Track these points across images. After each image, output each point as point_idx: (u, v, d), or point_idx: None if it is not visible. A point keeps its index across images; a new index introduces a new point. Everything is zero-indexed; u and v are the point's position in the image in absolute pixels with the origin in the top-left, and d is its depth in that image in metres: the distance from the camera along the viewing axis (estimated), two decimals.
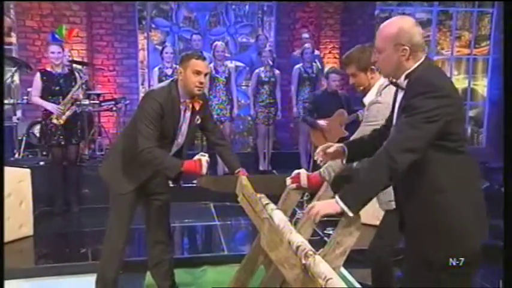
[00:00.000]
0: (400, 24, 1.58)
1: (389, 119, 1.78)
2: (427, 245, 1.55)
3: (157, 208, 2.59)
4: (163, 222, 2.65)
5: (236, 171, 2.41)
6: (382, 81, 2.22)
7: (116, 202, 2.44)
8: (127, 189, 2.39)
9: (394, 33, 1.57)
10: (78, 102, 4.44)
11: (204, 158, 2.25)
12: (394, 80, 1.64)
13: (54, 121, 4.22)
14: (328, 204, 1.53)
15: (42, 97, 4.26)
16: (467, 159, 1.58)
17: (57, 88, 4.28)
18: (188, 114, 2.39)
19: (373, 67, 2.21)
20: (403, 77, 1.59)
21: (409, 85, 1.56)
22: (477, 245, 1.56)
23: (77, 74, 4.47)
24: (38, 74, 4.30)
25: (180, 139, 2.42)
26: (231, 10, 6.93)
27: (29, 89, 5.10)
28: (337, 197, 1.51)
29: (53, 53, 4.27)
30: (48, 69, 4.32)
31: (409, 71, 1.57)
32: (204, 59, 2.34)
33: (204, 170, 2.24)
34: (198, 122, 2.45)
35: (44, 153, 4.91)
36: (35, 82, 4.30)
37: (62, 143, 4.28)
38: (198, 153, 2.30)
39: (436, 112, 1.45)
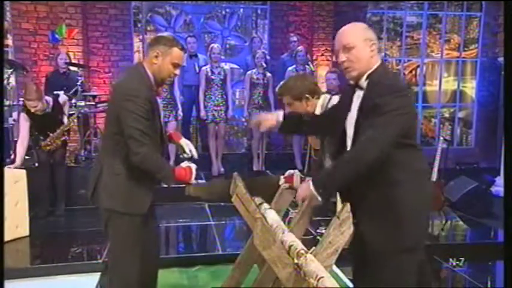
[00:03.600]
0: (361, 25, 1.72)
1: (331, 111, 1.90)
2: (383, 235, 1.64)
3: (152, 222, 2.30)
4: (156, 235, 2.42)
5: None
6: (322, 101, 2.32)
7: (127, 227, 2.09)
8: (144, 207, 2.10)
9: (362, 29, 1.69)
10: (66, 137, 4.34)
11: (193, 166, 2.14)
12: (352, 82, 1.73)
13: (44, 147, 4.19)
14: (303, 190, 1.66)
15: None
16: (419, 153, 1.70)
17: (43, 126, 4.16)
18: (158, 100, 2.17)
19: (307, 95, 2.30)
20: (364, 77, 1.68)
21: (371, 86, 1.65)
22: (422, 234, 1.72)
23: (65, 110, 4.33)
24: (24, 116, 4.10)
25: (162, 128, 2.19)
26: (226, 13, 6.99)
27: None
28: (310, 182, 1.63)
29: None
30: (32, 110, 4.01)
31: (370, 71, 1.67)
32: (184, 50, 2.13)
33: (193, 178, 2.14)
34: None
35: (27, 157, 4.55)
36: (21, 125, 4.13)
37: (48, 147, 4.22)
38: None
39: (404, 110, 1.58)
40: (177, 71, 2.11)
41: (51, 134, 4.20)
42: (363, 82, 1.68)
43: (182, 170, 2.10)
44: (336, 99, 2.26)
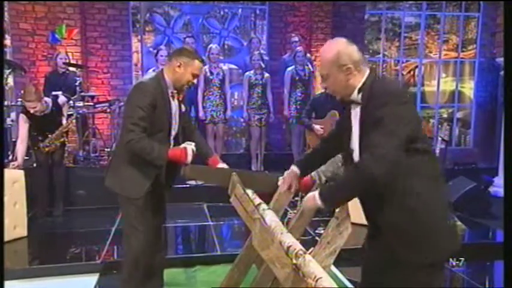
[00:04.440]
0: (336, 48, 1.66)
1: (338, 128, 1.86)
2: (402, 246, 1.58)
3: (156, 210, 2.50)
4: (159, 223, 2.61)
5: (211, 158, 2.44)
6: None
7: (129, 209, 2.37)
8: (137, 194, 2.32)
9: (334, 56, 1.65)
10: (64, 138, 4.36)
11: (189, 147, 2.23)
12: (346, 99, 1.70)
13: (43, 149, 4.19)
14: (308, 200, 1.63)
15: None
16: (433, 159, 1.66)
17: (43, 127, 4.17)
18: (175, 103, 2.39)
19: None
20: (355, 92, 1.65)
21: (367, 98, 1.61)
22: (451, 245, 1.62)
23: (64, 111, 4.34)
24: (23, 117, 4.10)
25: (174, 129, 2.40)
26: (225, 14, 7.00)
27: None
28: (316, 192, 1.61)
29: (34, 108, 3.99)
30: (32, 111, 4.02)
31: (360, 85, 1.64)
32: (203, 62, 2.43)
33: (189, 159, 2.21)
34: (184, 110, 2.44)
35: (26, 157, 4.53)
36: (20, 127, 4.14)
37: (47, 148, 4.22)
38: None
39: (406, 118, 1.54)
40: (195, 80, 2.37)
41: (50, 136, 4.20)
42: (357, 97, 1.66)
43: (177, 150, 2.23)
44: None
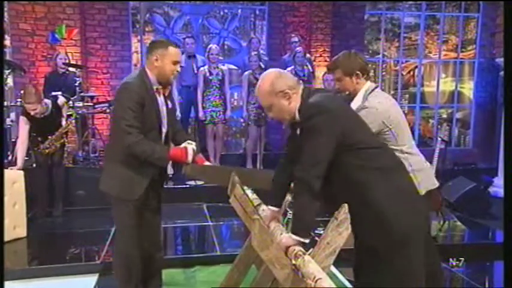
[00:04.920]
0: (269, 79, 1.80)
1: (289, 153, 1.94)
2: (367, 236, 1.71)
3: (153, 210, 2.51)
4: (156, 223, 2.59)
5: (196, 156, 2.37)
6: (367, 87, 2.29)
7: (122, 211, 2.33)
8: (135, 195, 2.29)
9: (269, 86, 1.78)
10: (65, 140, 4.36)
11: (190, 146, 2.25)
12: (293, 122, 1.82)
13: (43, 151, 4.19)
14: (287, 242, 1.64)
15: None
16: (378, 151, 1.75)
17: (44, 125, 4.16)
18: (161, 99, 2.35)
19: (358, 72, 2.27)
20: (297, 113, 1.78)
21: (301, 116, 1.75)
22: (407, 227, 1.68)
23: (63, 111, 4.33)
24: (24, 119, 4.10)
25: (164, 127, 2.37)
26: (225, 14, 7.00)
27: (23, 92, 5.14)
28: (290, 234, 1.65)
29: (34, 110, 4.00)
30: (32, 113, 4.01)
31: (298, 105, 1.78)
32: (178, 47, 2.34)
33: (190, 158, 2.24)
34: (170, 106, 2.42)
35: (26, 158, 4.52)
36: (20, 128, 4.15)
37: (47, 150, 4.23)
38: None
39: (329, 126, 1.64)
40: (178, 68, 2.30)
41: (50, 137, 4.20)
42: (298, 117, 1.80)
43: (178, 150, 2.26)
44: (378, 94, 2.27)
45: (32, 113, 3.99)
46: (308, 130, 1.67)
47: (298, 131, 1.82)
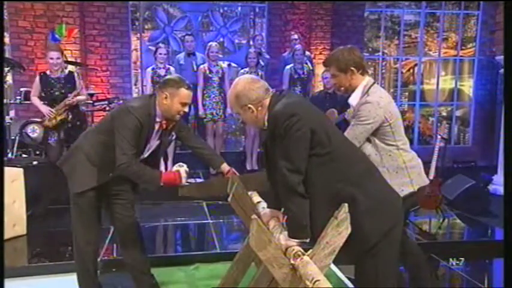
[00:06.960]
0: (235, 91, 1.80)
1: (267, 156, 1.91)
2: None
3: (120, 208, 2.47)
4: (130, 222, 2.50)
5: (225, 170, 2.43)
6: (366, 82, 2.28)
7: (75, 201, 2.39)
8: (85, 186, 2.33)
9: (234, 99, 1.80)
10: (74, 110, 4.53)
11: (182, 169, 2.27)
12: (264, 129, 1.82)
13: (46, 123, 4.33)
14: (288, 241, 1.64)
15: (41, 98, 4.42)
16: (357, 162, 1.74)
17: (56, 93, 4.40)
18: (159, 132, 2.37)
19: (352, 68, 2.25)
20: (266, 120, 1.78)
21: (268, 122, 1.76)
22: (383, 227, 1.68)
23: (76, 80, 4.51)
24: (38, 77, 4.46)
25: (146, 154, 2.39)
26: (223, 11, 6.99)
27: (22, 89, 5.15)
28: (286, 237, 1.66)
29: (51, 58, 4.36)
30: (48, 72, 4.42)
31: (266, 115, 1.77)
32: (190, 88, 2.34)
33: (184, 181, 2.26)
34: (173, 138, 2.47)
35: (38, 152, 4.89)
36: (34, 83, 4.48)
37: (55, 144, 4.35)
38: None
39: (297, 128, 1.62)
40: (186, 109, 2.33)
41: (56, 106, 4.35)
42: (266, 125, 1.79)
43: (171, 174, 2.28)
44: (376, 88, 2.26)
45: (51, 61, 4.31)
46: (279, 136, 1.66)
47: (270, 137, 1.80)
